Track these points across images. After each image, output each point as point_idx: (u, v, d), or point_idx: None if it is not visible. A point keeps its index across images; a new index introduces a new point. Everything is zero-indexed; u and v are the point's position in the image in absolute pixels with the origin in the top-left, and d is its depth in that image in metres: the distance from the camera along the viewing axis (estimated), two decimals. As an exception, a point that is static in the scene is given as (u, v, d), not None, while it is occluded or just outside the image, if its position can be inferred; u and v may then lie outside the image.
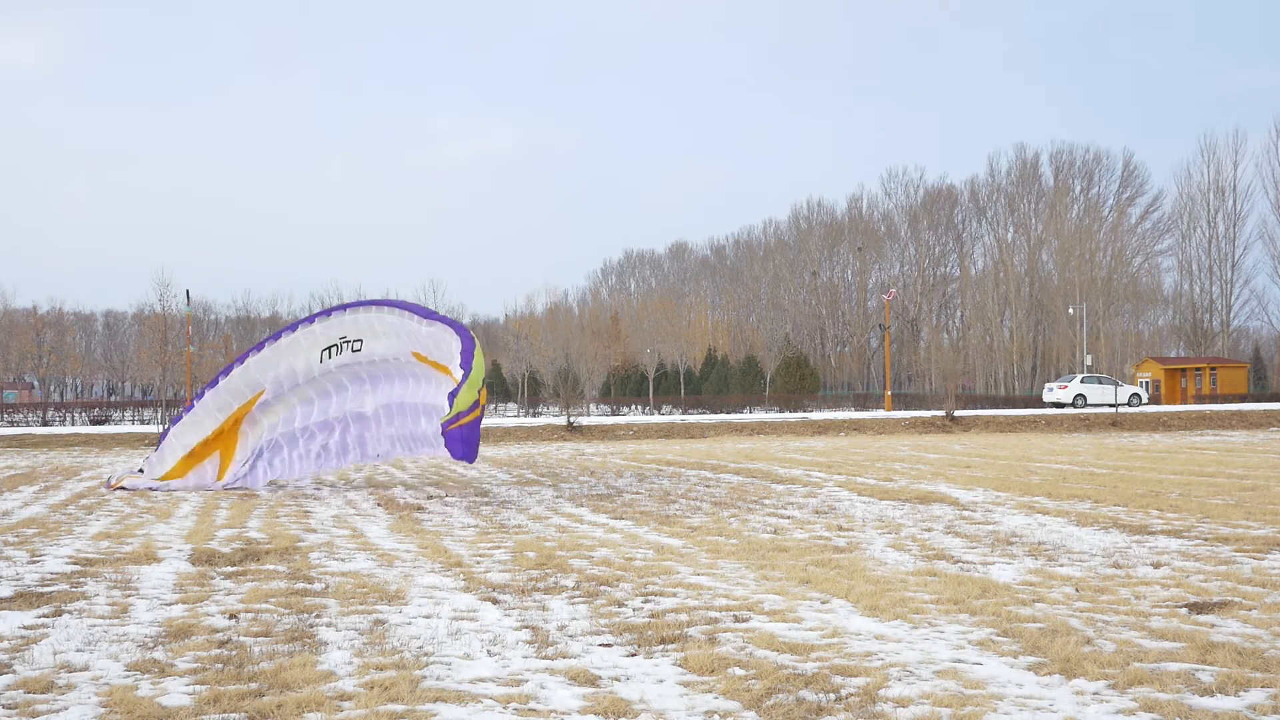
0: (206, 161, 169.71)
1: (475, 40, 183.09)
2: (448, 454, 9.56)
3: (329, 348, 8.60)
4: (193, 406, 9.19)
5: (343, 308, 8.83)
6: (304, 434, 9.17)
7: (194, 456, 9.28)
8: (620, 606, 8.06)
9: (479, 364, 8.47)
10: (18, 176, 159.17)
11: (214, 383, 9.13)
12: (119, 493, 10.22)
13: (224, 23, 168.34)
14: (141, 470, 11.74)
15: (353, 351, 8.67)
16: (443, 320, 8.54)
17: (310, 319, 8.90)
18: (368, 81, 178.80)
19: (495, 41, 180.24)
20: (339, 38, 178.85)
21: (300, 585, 9.10)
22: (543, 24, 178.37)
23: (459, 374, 8.68)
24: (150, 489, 9.91)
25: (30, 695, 5.87)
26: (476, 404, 8.70)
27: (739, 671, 6.15)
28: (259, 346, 9.08)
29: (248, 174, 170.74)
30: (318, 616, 7.82)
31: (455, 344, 8.49)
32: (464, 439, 8.92)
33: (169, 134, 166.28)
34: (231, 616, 7.83)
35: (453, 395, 8.61)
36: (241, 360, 9.05)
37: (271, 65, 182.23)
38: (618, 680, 6.05)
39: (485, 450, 32.48)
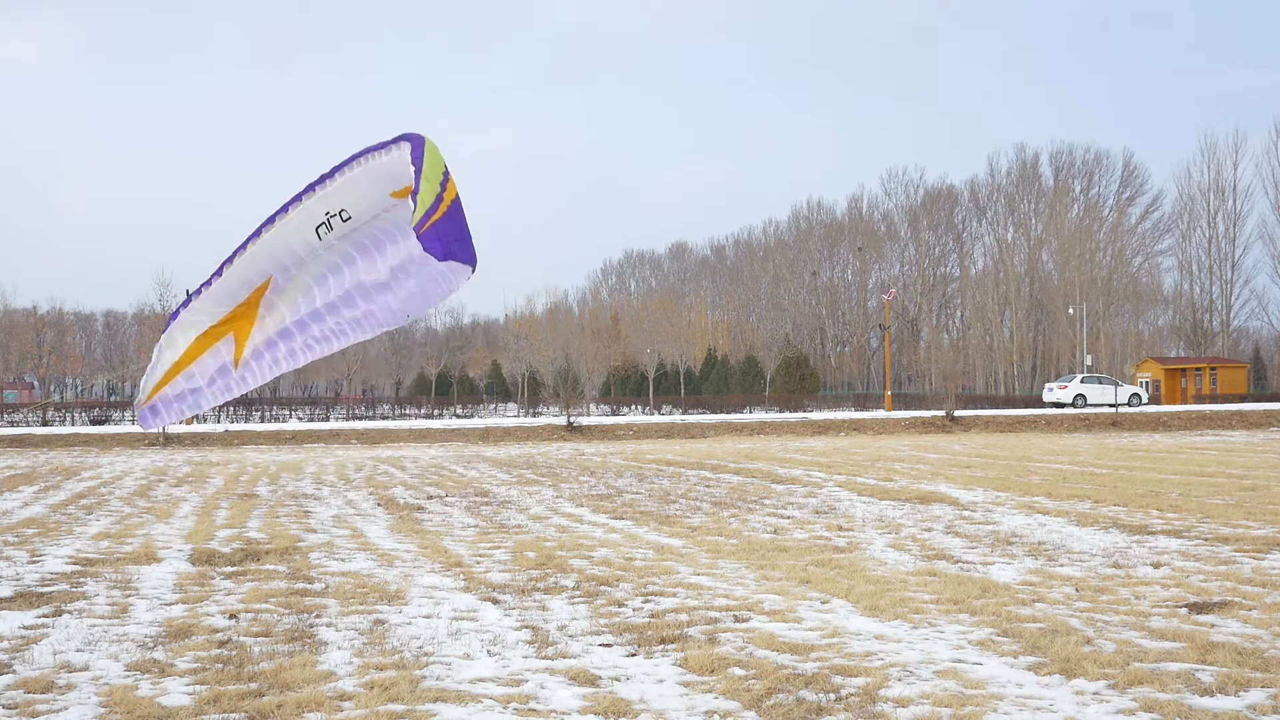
0: (207, 161, 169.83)
1: (475, 40, 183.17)
2: (445, 288, 8.66)
3: (320, 225, 8.53)
4: (190, 303, 8.91)
5: (330, 175, 8.58)
6: (314, 318, 8.99)
7: (208, 337, 8.98)
8: (620, 606, 8.06)
9: (431, 156, 7.94)
10: (18, 176, 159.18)
11: (218, 272, 8.88)
12: (155, 419, 9.70)
13: (224, 23, 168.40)
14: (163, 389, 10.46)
15: (343, 221, 8.58)
16: (395, 140, 8.25)
17: (299, 195, 8.75)
18: (368, 81, 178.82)
19: (495, 42, 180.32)
20: (339, 38, 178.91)
21: (300, 585, 9.10)
22: (542, 24, 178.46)
23: (414, 169, 8.08)
24: (179, 404, 9.39)
25: (30, 695, 5.87)
26: (440, 197, 8.01)
27: (739, 671, 6.15)
28: (256, 233, 8.84)
29: (248, 174, 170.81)
30: (318, 616, 7.82)
31: (408, 153, 8.10)
32: (439, 235, 8.07)
33: (169, 134, 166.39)
34: (231, 616, 7.83)
35: (414, 197, 7.98)
36: (243, 248, 8.85)
37: (272, 65, 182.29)
38: (618, 680, 6.05)
39: (485, 450, 32.49)
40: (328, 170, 7.74)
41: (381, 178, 7.83)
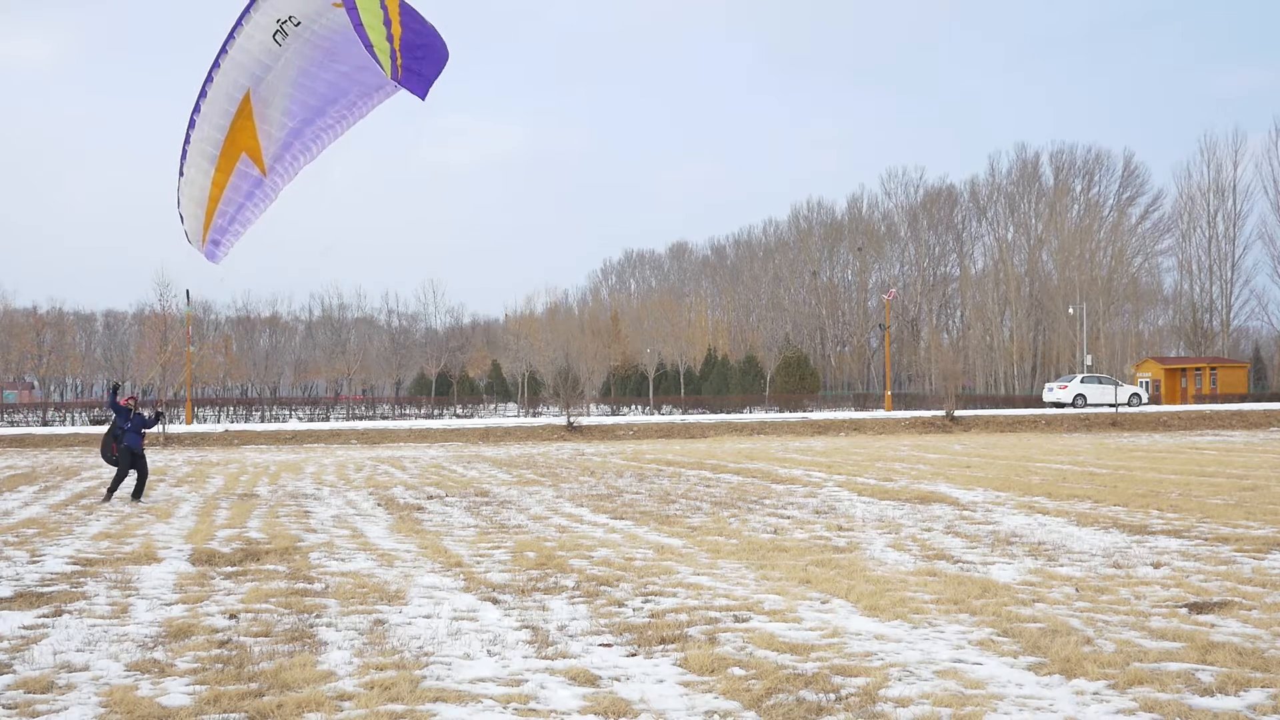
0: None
1: (478, 41, 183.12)
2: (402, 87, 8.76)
3: (275, 33, 8.64)
4: (191, 129, 9.01)
5: None
6: (315, 114, 9.09)
7: (225, 162, 9.06)
8: (620, 606, 8.06)
9: None
10: (19, 176, 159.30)
11: (202, 93, 8.94)
12: (211, 250, 9.60)
13: (228, 21, 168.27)
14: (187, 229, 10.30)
15: (294, 26, 8.66)
16: None
17: (240, 16, 8.87)
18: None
19: (498, 43, 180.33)
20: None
21: (300, 585, 9.10)
22: (544, 25, 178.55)
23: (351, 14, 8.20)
24: (233, 226, 9.46)
25: (30, 695, 5.87)
26: (390, 35, 8.00)
27: (739, 671, 6.14)
28: (220, 53, 8.89)
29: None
30: (318, 616, 7.82)
31: None
32: (410, 68, 8.12)
33: (171, 133, 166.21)
34: (231, 616, 7.83)
35: (369, 47, 8.05)
36: (215, 67, 8.91)
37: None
38: (618, 680, 6.05)
39: (485, 450, 32.50)
40: None
41: None
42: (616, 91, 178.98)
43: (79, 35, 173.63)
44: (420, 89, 8.20)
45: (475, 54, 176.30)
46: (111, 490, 16.88)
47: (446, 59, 8.51)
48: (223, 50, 8.64)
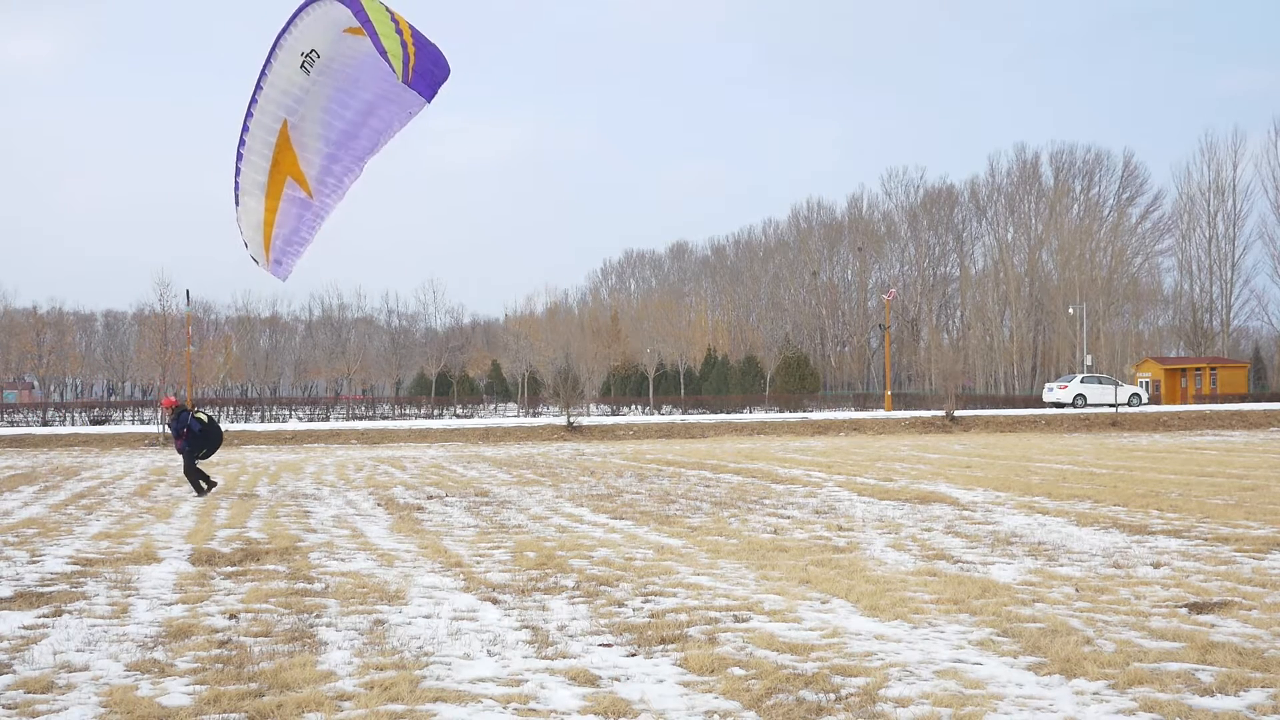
0: (210, 161, 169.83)
1: (476, 42, 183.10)
2: (421, 100, 9.58)
3: (303, 64, 9.23)
4: (239, 166, 9.67)
5: (285, 29, 9.34)
6: (346, 138, 9.73)
7: (274, 189, 9.67)
8: (620, 606, 8.06)
9: (371, 8, 8.60)
10: (19, 176, 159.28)
11: (245, 128, 9.60)
12: (277, 267, 10.45)
13: (232, 20, 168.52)
14: (246, 243, 11.04)
15: (317, 58, 9.28)
16: None
17: (269, 55, 9.47)
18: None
19: (500, 44, 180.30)
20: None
21: (300, 585, 9.10)
22: (544, 26, 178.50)
23: (364, 27, 8.85)
24: (292, 246, 10.22)
25: (30, 695, 5.87)
26: (404, 43, 8.61)
27: (739, 671, 6.15)
28: (255, 93, 9.50)
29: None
30: (318, 616, 7.82)
31: (349, 8, 8.88)
32: (420, 73, 8.79)
33: (173, 133, 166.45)
34: (231, 616, 7.83)
35: (382, 53, 8.66)
36: (252, 104, 9.52)
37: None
38: (618, 680, 6.05)
39: (485, 450, 32.50)
40: (282, 26, 8.85)
41: (329, 24, 8.92)
42: (617, 91, 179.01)
43: (79, 34, 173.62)
44: (428, 92, 8.77)
45: (475, 54, 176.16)
46: (199, 487, 17.79)
47: (449, 74, 9.46)
48: (258, 85, 9.43)
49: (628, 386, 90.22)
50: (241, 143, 9.68)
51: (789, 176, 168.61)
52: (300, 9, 9.25)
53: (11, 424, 55.08)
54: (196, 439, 17.62)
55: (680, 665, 6.32)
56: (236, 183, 9.82)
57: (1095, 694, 5.66)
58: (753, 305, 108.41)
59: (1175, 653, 6.43)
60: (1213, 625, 7.13)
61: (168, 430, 18.25)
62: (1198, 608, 7.69)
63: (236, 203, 9.94)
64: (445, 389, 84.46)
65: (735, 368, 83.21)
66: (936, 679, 5.95)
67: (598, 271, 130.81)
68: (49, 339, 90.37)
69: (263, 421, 58.47)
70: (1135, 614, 7.53)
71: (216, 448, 18.29)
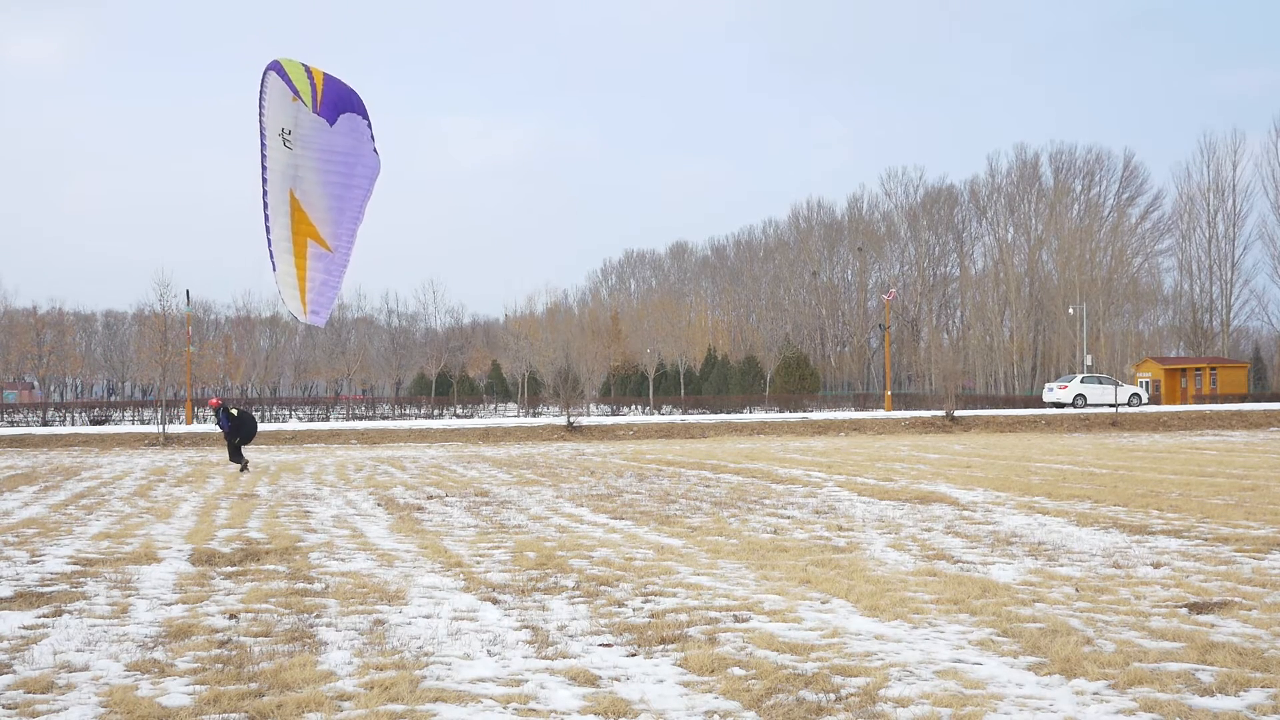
0: (211, 161, 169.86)
1: (476, 42, 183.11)
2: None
3: (285, 142, 10.79)
4: (269, 238, 11.20)
5: (260, 116, 10.86)
6: (343, 190, 11.23)
7: (300, 248, 11.16)
8: (620, 606, 8.06)
9: (289, 66, 10.41)
10: (20, 176, 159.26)
11: (265, 204, 11.08)
12: (310, 319, 11.67)
13: (236, 21, 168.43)
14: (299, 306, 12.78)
15: (290, 134, 10.82)
16: (266, 72, 10.65)
17: (261, 143, 10.93)
18: (376, 82, 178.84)
19: (496, 44, 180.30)
20: (350, 41, 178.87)
21: (300, 585, 9.10)
22: (544, 27, 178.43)
23: (288, 86, 10.49)
24: (323, 295, 11.57)
25: (30, 695, 5.86)
26: (313, 84, 10.29)
27: (739, 671, 6.14)
28: (263, 175, 10.98)
29: (252, 173, 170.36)
30: (318, 616, 7.82)
31: (278, 75, 10.48)
32: (325, 102, 10.46)
33: (175, 133, 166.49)
34: (231, 616, 7.83)
35: (298, 96, 10.47)
36: (265, 183, 10.99)
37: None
38: (618, 680, 6.05)
39: (485, 450, 32.51)
40: (257, 108, 10.53)
41: (279, 96, 10.55)
42: (617, 92, 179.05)
43: (81, 35, 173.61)
44: (330, 116, 10.59)
45: (475, 55, 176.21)
46: (239, 465, 23.42)
47: (360, 102, 10.95)
48: (262, 165, 10.90)
49: (628, 386, 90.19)
50: (265, 216, 11.10)
51: (789, 176, 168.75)
52: (260, 92, 10.66)
53: (11, 424, 55.07)
54: (233, 428, 23.21)
55: (680, 665, 6.32)
56: (270, 251, 11.24)
57: (1095, 694, 5.66)
58: (753, 305, 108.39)
59: (1175, 653, 6.43)
60: (1213, 625, 7.13)
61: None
62: (1198, 608, 7.69)
63: (274, 268, 11.40)
64: (445, 389, 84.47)
65: (735, 368, 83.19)
66: (936, 679, 5.95)
67: (598, 271, 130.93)
68: (49, 339, 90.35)
69: (263, 421, 58.43)
70: (1135, 614, 7.53)
71: (251, 436, 23.81)
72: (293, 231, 11.43)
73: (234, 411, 23.41)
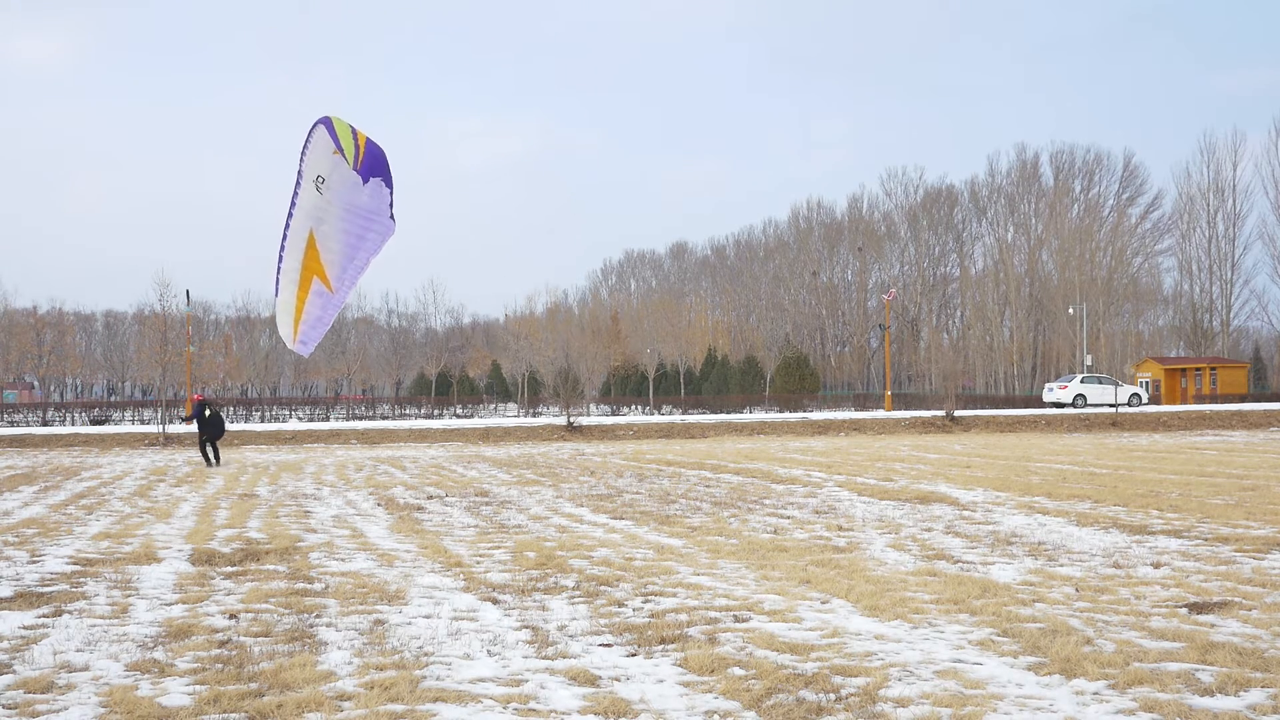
0: (212, 161, 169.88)
1: (476, 43, 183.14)
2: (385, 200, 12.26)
3: (317, 186, 11.68)
4: (280, 262, 12.15)
5: (301, 160, 11.77)
6: (356, 240, 12.16)
7: (305, 284, 12.11)
8: (620, 606, 8.06)
9: (338, 126, 11.31)
10: (20, 176, 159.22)
11: (285, 234, 12.01)
12: (301, 346, 12.58)
13: (239, 22, 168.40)
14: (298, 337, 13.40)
15: (324, 181, 11.65)
16: (315, 125, 11.58)
17: (297, 180, 11.87)
18: (377, 84, 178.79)
19: (496, 45, 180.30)
20: (351, 41, 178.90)
21: (300, 585, 9.10)
22: (544, 27, 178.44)
23: (335, 143, 11.44)
24: (314, 328, 12.43)
25: (30, 695, 5.87)
26: (357, 145, 11.31)
27: (739, 671, 6.14)
28: (290, 210, 11.89)
29: (254, 174, 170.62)
30: (318, 616, 7.82)
31: (326, 131, 11.41)
32: (363, 166, 11.47)
33: (176, 133, 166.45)
34: (231, 616, 7.83)
35: (342, 154, 11.36)
36: (290, 217, 11.91)
37: (288, 66, 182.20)
38: (618, 680, 6.05)
39: (485, 450, 32.52)
40: (300, 153, 11.38)
41: (323, 147, 11.40)
42: (617, 91, 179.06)
43: (82, 36, 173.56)
44: (364, 175, 11.45)
45: (475, 56, 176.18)
46: (205, 459, 25.55)
47: (389, 170, 11.90)
48: (293, 202, 11.78)
49: (628, 386, 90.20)
50: (282, 247, 11.95)
51: (789, 177, 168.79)
52: (306, 140, 11.54)
53: (11, 424, 55.07)
54: (202, 424, 25.41)
55: (680, 665, 6.32)
56: (277, 279, 12.02)
57: (1095, 694, 5.66)
58: (753, 305, 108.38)
59: (1175, 653, 6.43)
60: (1213, 625, 7.13)
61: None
62: (1198, 608, 7.69)
63: (276, 294, 12.16)
64: (445, 389, 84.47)
65: (735, 368, 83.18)
66: (936, 679, 5.95)
67: (598, 271, 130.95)
68: (49, 339, 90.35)
69: (263, 421, 58.46)
70: (1135, 614, 7.53)
71: (218, 434, 25.75)
72: (303, 265, 12.28)
73: (208, 412, 25.51)
